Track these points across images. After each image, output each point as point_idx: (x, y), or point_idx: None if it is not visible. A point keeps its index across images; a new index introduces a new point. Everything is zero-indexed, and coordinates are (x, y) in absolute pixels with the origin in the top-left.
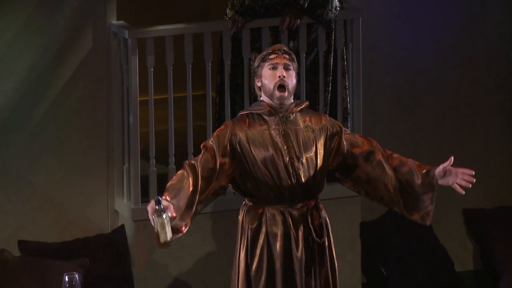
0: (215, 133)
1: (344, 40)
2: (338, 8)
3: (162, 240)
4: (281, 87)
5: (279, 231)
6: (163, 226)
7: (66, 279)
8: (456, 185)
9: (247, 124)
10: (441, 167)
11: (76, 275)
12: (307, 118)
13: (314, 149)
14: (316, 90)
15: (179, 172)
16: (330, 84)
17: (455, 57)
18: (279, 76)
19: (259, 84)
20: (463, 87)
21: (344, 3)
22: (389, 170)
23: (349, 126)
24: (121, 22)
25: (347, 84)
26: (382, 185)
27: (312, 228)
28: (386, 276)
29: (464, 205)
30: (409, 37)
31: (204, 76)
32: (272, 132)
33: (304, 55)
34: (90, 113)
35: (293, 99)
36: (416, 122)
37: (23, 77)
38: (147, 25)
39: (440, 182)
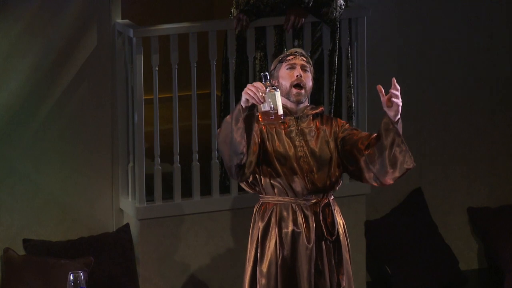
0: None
1: (349, 38)
2: (343, 7)
3: (280, 111)
4: (298, 85)
5: (289, 228)
6: (279, 99)
7: (71, 277)
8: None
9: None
10: (384, 99)
11: (81, 273)
12: (319, 122)
13: (327, 148)
14: (320, 89)
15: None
16: (335, 82)
17: (460, 56)
18: (297, 76)
19: (277, 84)
20: (468, 86)
21: (349, 1)
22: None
23: (353, 124)
24: (126, 21)
25: (351, 82)
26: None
27: (323, 226)
28: (390, 274)
29: (469, 204)
30: (413, 35)
31: (209, 75)
32: (287, 130)
33: (309, 54)
34: (95, 112)
35: (309, 104)
36: (420, 121)
37: (28, 76)
38: (151, 24)
39: (390, 113)
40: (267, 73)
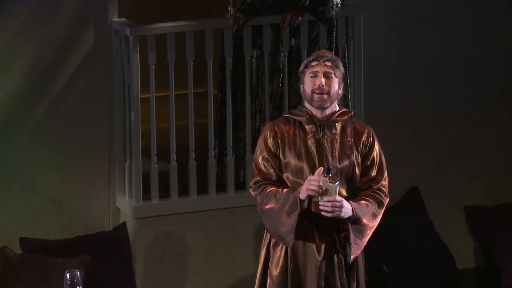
0: (261, 156)
1: (345, 37)
2: (340, 5)
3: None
4: (319, 92)
5: (301, 239)
6: (337, 190)
7: (68, 276)
8: None
9: (286, 128)
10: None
11: (78, 272)
12: (349, 130)
13: (348, 161)
14: None
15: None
16: None
17: (456, 54)
18: (318, 85)
19: (302, 90)
20: (465, 84)
21: (346, 0)
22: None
23: None
24: (123, 19)
25: (348, 81)
26: None
27: (336, 239)
28: (387, 273)
29: (466, 202)
30: (410, 34)
31: (206, 74)
32: (308, 140)
33: (306, 53)
34: (91, 111)
35: (340, 107)
36: (417, 119)
37: (25, 75)
38: (148, 22)
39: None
40: (331, 165)
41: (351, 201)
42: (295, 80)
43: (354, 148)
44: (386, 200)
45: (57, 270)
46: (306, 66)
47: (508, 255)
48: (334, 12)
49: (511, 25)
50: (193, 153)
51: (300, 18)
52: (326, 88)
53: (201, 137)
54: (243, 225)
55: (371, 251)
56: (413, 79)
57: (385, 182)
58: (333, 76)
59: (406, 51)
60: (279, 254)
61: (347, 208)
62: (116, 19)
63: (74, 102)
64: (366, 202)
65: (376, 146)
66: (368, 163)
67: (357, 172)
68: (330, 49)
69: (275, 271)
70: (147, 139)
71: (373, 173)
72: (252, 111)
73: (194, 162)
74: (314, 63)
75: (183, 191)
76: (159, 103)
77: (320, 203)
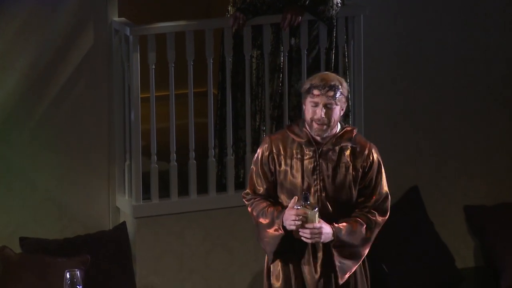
0: (255, 170)
1: (345, 37)
2: (340, 5)
3: (317, 226)
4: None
5: (294, 260)
6: (317, 215)
7: (68, 276)
8: None
9: (284, 145)
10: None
11: (78, 272)
12: (348, 152)
13: (347, 186)
14: None
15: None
16: None
17: (456, 54)
18: (318, 117)
19: (303, 108)
20: (464, 83)
21: (346, 0)
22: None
23: (350, 123)
24: (123, 19)
25: (348, 81)
26: None
27: (333, 275)
28: (387, 273)
29: (465, 202)
30: (410, 34)
31: (206, 73)
32: (306, 161)
33: (306, 52)
34: (91, 110)
35: (342, 125)
36: (417, 119)
37: (25, 75)
38: (148, 22)
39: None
40: (308, 193)
41: (334, 224)
42: (295, 79)
43: (352, 169)
44: (380, 219)
45: (57, 269)
46: (308, 91)
47: (508, 255)
48: (334, 11)
49: (511, 25)
50: (193, 152)
51: (300, 17)
52: (326, 119)
53: (201, 137)
54: (243, 225)
55: (370, 251)
56: (413, 78)
57: (383, 202)
58: (334, 106)
59: (406, 50)
60: (278, 267)
61: (327, 233)
62: (116, 18)
63: (74, 101)
64: (354, 224)
65: (375, 166)
66: (366, 183)
67: (354, 193)
68: (330, 48)
69: (276, 283)
70: (147, 139)
71: (370, 194)
72: (252, 111)
73: (194, 161)
74: (316, 92)
75: (183, 190)
76: (159, 103)
77: (300, 230)
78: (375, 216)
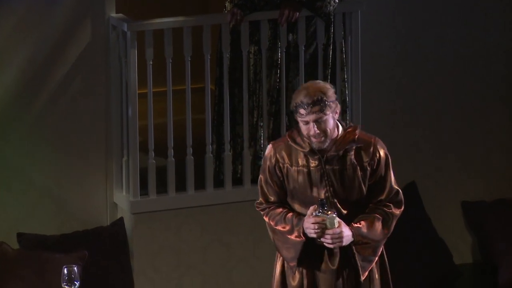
0: (264, 180)
1: (343, 33)
2: (337, 1)
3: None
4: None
5: (314, 256)
6: (336, 220)
7: (65, 271)
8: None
9: (288, 154)
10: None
11: (75, 267)
12: (353, 154)
13: (356, 186)
14: None
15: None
16: (329, 77)
17: (454, 50)
18: (312, 133)
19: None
20: (463, 80)
21: None
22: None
23: (347, 119)
24: (120, 15)
25: (345, 77)
26: None
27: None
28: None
29: (463, 197)
30: (408, 30)
31: (203, 69)
32: (312, 170)
33: (303, 48)
34: (89, 106)
35: (342, 125)
36: (415, 115)
37: (22, 70)
38: (146, 18)
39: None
40: (324, 199)
41: (353, 225)
42: (293, 75)
43: (359, 170)
44: (396, 211)
45: (55, 265)
46: (296, 111)
47: (505, 250)
48: (331, 7)
49: (511, 23)
50: (191, 148)
51: (298, 13)
52: (322, 132)
53: (199, 133)
54: (240, 220)
55: None
56: (411, 75)
57: (396, 194)
58: (325, 117)
59: (404, 47)
60: (295, 269)
61: (348, 236)
62: (113, 14)
63: (72, 97)
64: (372, 220)
65: (383, 162)
66: (377, 179)
67: (365, 189)
68: (327, 44)
69: (292, 283)
70: (145, 135)
71: (381, 188)
72: (249, 107)
73: (192, 157)
74: (302, 111)
75: (181, 186)
76: (157, 99)
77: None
78: (391, 209)
